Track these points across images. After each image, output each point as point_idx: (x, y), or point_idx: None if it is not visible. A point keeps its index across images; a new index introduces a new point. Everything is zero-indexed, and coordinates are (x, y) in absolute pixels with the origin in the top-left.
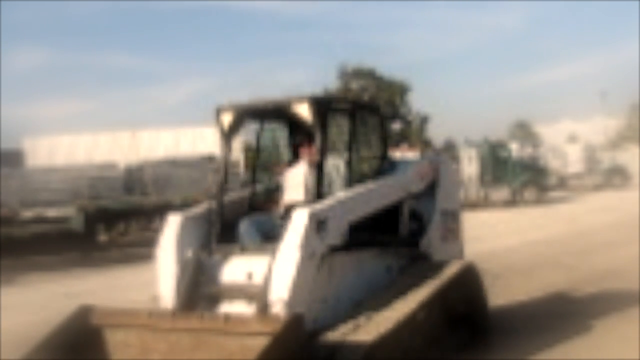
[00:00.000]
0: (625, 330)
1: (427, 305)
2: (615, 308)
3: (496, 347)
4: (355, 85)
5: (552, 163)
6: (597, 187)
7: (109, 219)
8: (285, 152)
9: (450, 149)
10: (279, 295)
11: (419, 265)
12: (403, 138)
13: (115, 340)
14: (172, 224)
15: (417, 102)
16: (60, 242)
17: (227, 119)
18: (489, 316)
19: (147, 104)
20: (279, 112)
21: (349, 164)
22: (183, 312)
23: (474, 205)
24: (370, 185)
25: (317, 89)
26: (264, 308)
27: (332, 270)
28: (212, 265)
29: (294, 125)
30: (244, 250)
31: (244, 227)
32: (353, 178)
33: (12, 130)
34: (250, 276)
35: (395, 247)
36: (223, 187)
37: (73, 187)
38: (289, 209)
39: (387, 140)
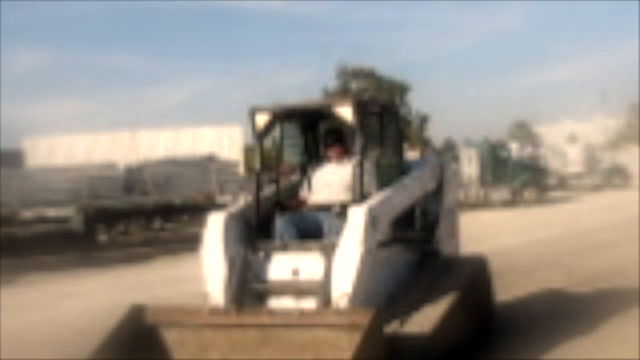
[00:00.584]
0: (626, 330)
1: (463, 300)
2: (616, 308)
3: (496, 347)
4: (355, 85)
5: (553, 163)
6: (597, 188)
7: (109, 219)
8: (289, 153)
9: (450, 149)
10: (343, 290)
11: (436, 261)
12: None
13: (171, 339)
14: (216, 223)
15: (417, 102)
16: (61, 243)
17: (262, 119)
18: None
19: (147, 104)
20: (317, 115)
21: (379, 164)
22: (248, 309)
23: (474, 206)
24: (404, 184)
25: (317, 90)
26: (326, 303)
27: (375, 266)
28: (257, 262)
29: (309, 127)
30: (286, 248)
31: (281, 225)
32: (384, 178)
33: (12, 130)
34: (296, 273)
35: (416, 243)
36: (259, 187)
37: (73, 187)
38: (322, 208)
39: (403, 141)
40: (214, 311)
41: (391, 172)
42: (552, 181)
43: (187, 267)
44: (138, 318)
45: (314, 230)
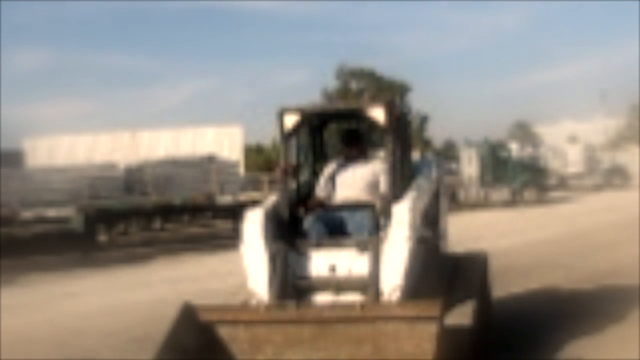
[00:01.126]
0: (626, 330)
1: (486, 294)
2: (616, 308)
3: (496, 347)
4: (354, 85)
5: (552, 163)
6: (597, 187)
7: (109, 219)
8: (291, 153)
9: (450, 149)
10: (395, 283)
11: (444, 258)
12: None
13: (224, 336)
14: (255, 219)
15: (417, 102)
16: (61, 242)
17: (290, 120)
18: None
19: (147, 104)
20: (347, 116)
21: (397, 165)
22: (304, 303)
23: (474, 206)
24: (420, 184)
25: (316, 90)
26: (375, 297)
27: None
28: (293, 259)
29: (317, 127)
30: (319, 244)
31: (310, 222)
32: (403, 178)
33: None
34: (333, 268)
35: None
36: (287, 185)
37: (73, 187)
38: (344, 206)
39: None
40: (269, 307)
41: (407, 173)
42: (552, 181)
43: (187, 267)
44: (190, 317)
45: (338, 227)
